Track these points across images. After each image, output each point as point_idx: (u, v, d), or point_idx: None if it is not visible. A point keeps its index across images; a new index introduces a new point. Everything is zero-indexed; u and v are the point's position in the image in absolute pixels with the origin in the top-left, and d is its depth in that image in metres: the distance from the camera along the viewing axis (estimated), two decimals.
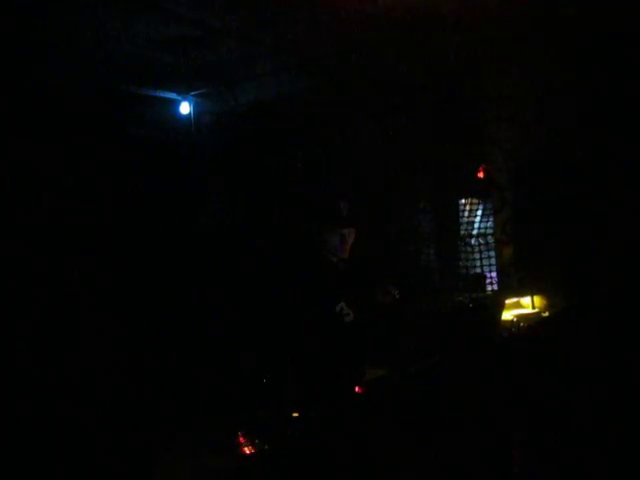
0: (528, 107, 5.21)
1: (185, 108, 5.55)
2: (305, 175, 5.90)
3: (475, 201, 5.90)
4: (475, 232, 5.87)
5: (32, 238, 4.32)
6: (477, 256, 5.78)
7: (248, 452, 2.51)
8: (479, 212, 5.89)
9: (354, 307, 3.31)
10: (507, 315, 4.77)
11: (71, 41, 4.36)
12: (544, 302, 5.14)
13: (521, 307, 5.17)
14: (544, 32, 4.72)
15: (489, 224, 5.81)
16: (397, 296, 3.47)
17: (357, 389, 3.24)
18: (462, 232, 5.94)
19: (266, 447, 2.53)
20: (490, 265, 5.73)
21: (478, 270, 5.78)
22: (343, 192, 4.46)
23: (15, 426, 3.52)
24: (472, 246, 5.82)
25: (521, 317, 4.82)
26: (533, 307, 5.13)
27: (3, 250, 4.14)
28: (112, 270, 4.71)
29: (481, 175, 5.71)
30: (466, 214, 5.94)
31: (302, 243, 3.65)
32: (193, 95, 5.60)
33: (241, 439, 2.56)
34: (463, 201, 6.00)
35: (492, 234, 5.76)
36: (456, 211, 6.04)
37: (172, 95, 5.60)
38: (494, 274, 5.70)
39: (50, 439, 3.52)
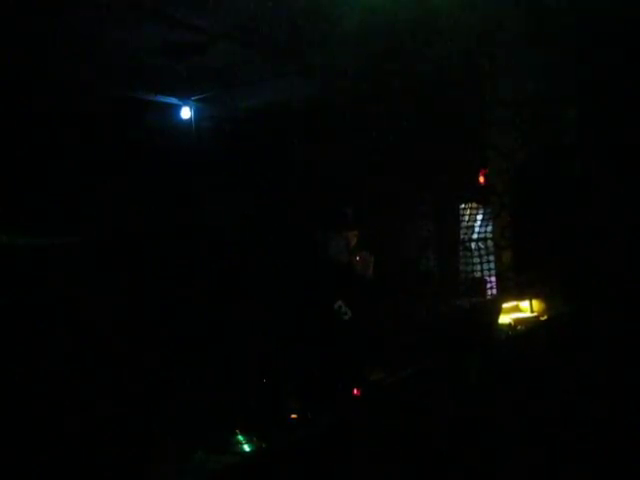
0: (525, 112, 5.24)
1: (186, 113, 5.58)
2: (309, 180, 5.91)
3: (475, 206, 5.92)
4: (475, 236, 5.88)
5: (35, 243, 4.34)
6: (477, 260, 5.79)
7: (246, 451, 2.53)
8: (479, 217, 5.91)
9: (352, 306, 3.37)
10: (505, 319, 4.79)
11: (71, 47, 4.39)
12: (542, 306, 5.16)
13: (519, 311, 5.19)
14: (543, 36, 4.75)
15: (489, 228, 5.82)
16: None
17: (355, 391, 3.26)
18: (462, 236, 5.95)
19: (264, 446, 2.55)
20: (489, 269, 5.74)
21: (478, 274, 5.80)
22: (348, 198, 4.50)
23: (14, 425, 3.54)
24: (472, 250, 5.84)
25: (519, 321, 4.84)
26: (532, 311, 5.15)
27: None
28: (115, 273, 4.72)
29: (482, 180, 5.74)
30: (466, 219, 5.96)
31: (307, 244, 3.70)
32: (194, 100, 5.62)
33: (239, 438, 2.58)
34: (463, 206, 6.02)
35: (491, 238, 5.77)
36: (456, 215, 6.06)
37: (173, 100, 5.62)
38: (493, 278, 5.72)
39: (47, 437, 3.54)
